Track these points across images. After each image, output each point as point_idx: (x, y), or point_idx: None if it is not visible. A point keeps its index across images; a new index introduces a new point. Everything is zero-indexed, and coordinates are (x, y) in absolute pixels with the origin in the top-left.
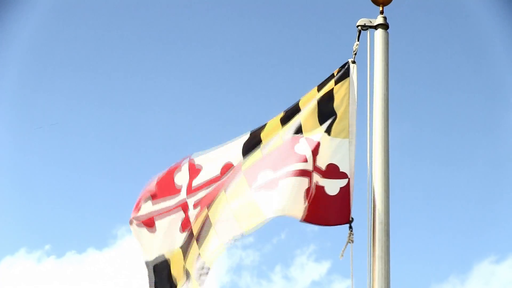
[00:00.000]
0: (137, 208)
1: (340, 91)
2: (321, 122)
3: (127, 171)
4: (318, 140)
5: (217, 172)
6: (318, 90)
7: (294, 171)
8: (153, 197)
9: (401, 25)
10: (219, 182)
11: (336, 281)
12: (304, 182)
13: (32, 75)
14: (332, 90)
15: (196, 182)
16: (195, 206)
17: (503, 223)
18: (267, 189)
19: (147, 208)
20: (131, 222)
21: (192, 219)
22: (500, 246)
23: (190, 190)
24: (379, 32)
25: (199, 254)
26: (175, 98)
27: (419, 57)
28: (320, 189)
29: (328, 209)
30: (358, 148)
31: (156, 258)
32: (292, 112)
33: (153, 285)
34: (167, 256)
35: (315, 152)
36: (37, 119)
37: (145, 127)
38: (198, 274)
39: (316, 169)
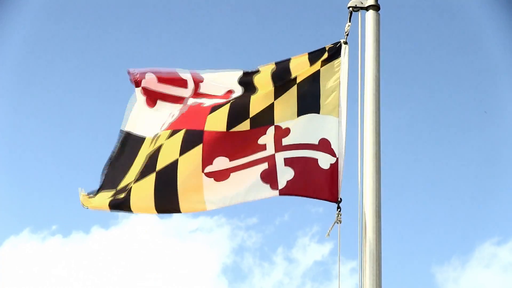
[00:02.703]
0: (142, 75)
1: (328, 72)
2: (302, 107)
3: None
4: (287, 126)
5: (220, 92)
6: (310, 61)
7: (249, 162)
8: (159, 78)
9: (392, 6)
10: (218, 100)
11: (340, 262)
12: (258, 169)
13: (28, 69)
14: (318, 71)
15: (201, 89)
16: (179, 110)
17: (507, 204)
18: (216, 180)
19: (152, 83)
20: (137, 84)
21: (169, 119)
22: (503, 227)
23: (196, 93)
24: (370, 14)
25: (131, 188)
26: None
27: (410, 39)
28: (313, 161)
29: (319, 182)
30: (349, 129)
31: (134, 135)
32: (285, 75)
33: (113, 154)
34: (143, 139)
35: (279, 137)
36: (31, 107)
37: None
38: (117, 203)
39: (287, 147)
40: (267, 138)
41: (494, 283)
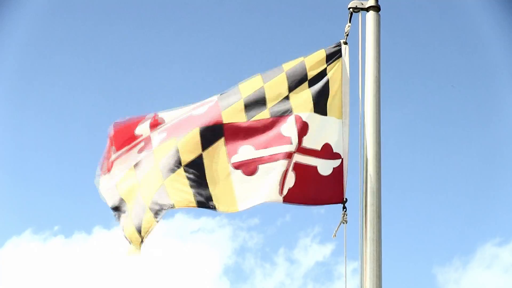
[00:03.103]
0: (107, 169)
1: (333, 71)
2: (314, 101)
3: None
4: (306, 120)
5: (188, 109)
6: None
7: (276, 154)
8: (116, 149)
9: (393, 7)
10: (189, 114)
11: (341, 263)
12: (284, 164)
13: (30, 68)
14: (325, 69)
15: (159, 127)
16: (160, 133)
17: (508, 205)
18: (245, 172)
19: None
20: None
21: (155, 141)
22: (505, 228)
23: (154, 129)
24: (371, 14)
25: (164, 184)
26: (174, 88)
27: (411, 40)
28: (312, 169)
29: (320, 189)
30: (350, 129)
31: (118, 200)
32: (274, 71)
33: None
34: (121, 193)
35: (301, 133)
36: (34, 107)
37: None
38: (158, 207)
39: (301, 150)
40: (290, 130)
41: (495, 284)
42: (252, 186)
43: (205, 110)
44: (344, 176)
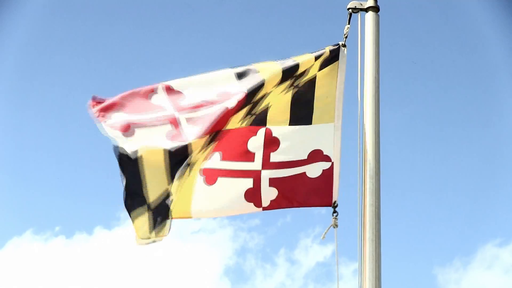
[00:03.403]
0: (102, 112)
1: (325, 76)
2: (292, 112)
3: None
4: (276, 135)
5: (213, 96)
6: (315, 58)
7: (236, 171)
8: (125, 109)
9: (392, 8)
10: (221, 105)
11: (342, 263)
12: (243, 184)
13: (30, 68)
14: (315, 77)
15: (184, 101)
16: (188, 121)
17: (509, 205)
18: (207, 181)
19: (120, 116)
20: (97, 117)
21: (188, 135)
22: (505, 229)
23: (179, 107)
24: (370, 15)
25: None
26: None
27: (410, 40)
28: (299, 176)
29: (308, 191)
30: (349, 132)
31: (131, 152)
32: (292, 68)
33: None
34: (140, 152)
35: (269, 149)
36: (34, 107)
37: None
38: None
39: (276, 165)
40: (256, 145)
41: (496, 285)
42: (209, 196)
43: (234, 104)
44: (335, 180)
